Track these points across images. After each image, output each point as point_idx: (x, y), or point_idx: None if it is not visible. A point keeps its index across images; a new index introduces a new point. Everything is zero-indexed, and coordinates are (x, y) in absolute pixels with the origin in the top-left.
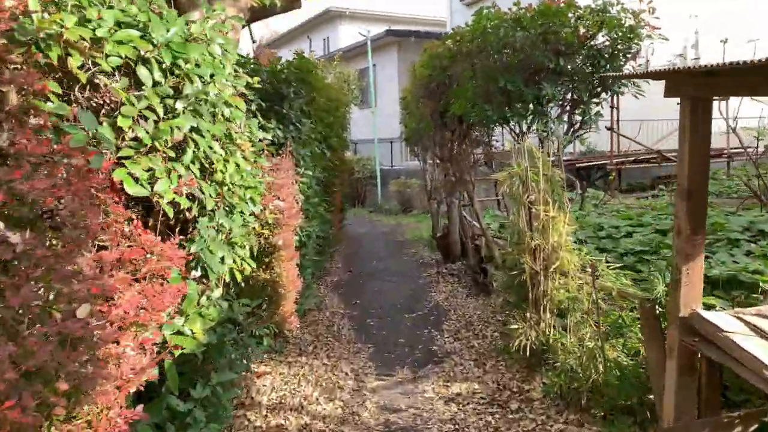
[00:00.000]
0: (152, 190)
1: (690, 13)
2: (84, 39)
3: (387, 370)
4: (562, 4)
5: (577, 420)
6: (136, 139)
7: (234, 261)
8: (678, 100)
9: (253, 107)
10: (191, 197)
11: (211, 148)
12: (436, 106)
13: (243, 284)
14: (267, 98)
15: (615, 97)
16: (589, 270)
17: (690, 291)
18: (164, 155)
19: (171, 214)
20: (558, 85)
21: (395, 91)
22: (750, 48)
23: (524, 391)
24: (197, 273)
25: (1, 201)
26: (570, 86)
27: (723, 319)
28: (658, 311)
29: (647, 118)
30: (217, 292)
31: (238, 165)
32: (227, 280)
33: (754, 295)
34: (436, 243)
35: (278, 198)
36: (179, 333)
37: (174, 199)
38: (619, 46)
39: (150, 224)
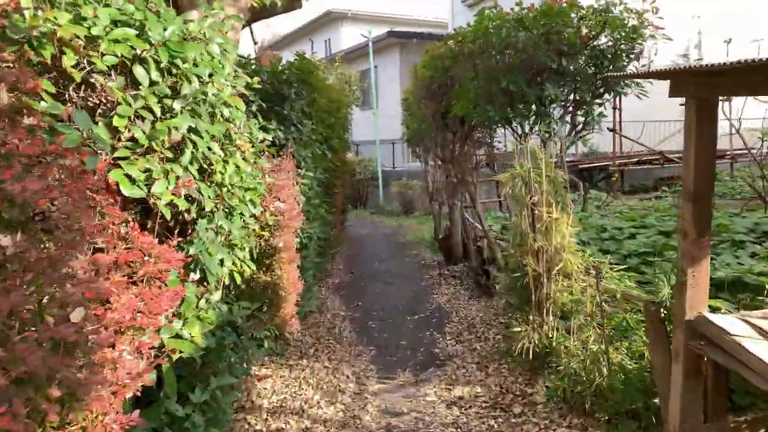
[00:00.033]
0: (149, 192)
1: (693, 13)
2: (78, 37)
3: (388, 373)
4: (565, 4)
5: (581, 424)
6: (132, 139)
7: (234, 263)
8: (682, 100)
9: (254, 108)
10: (190, 199)
11: (210, 149)
12: (437, 107)
13: (243, 286)
14: (268, 99)
15: (617, 98)
16: (593, 272)
17: (696, 294)
18: (162, 156)
19: (168, 216)
20: (561, 86)
21: (397, 93)
22: (754, 48)
23: (527, 394)
24: (196, 275)
25: None
26: (573, 87)
27: (729, 322)
28: (663, 314)
29: (650, 119)
30: (217, 295)
31: (237, 166)
32: (227, 282)
33: (760, 298)
34: (438, 245)
35: (279, 199)
36: (177, 337)
37: (172, 200)
38: (622, 46)
39: (149, 226)
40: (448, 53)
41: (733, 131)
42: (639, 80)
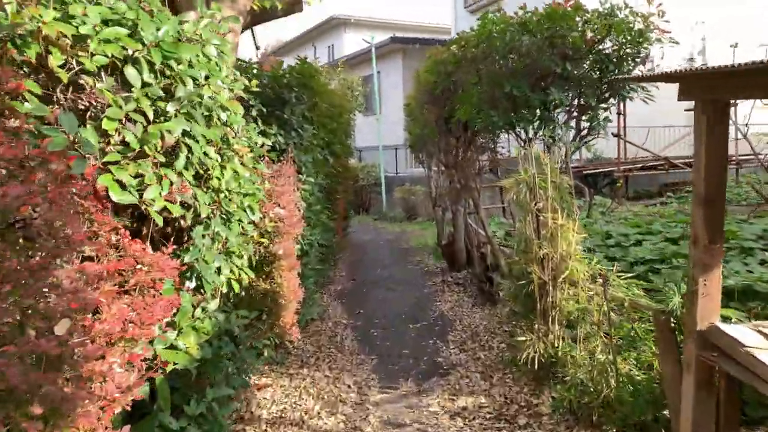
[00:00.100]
0: (141, 198)
1: (696, 18)
2: (65, 36)
3: (391, 383)
4: (569, 8)
5: None
6: (124, 143)
7: (231, 271)
8: (686, 105)
9: (254, 112)
10: (185, 205)
11: (206, 153)
12: (440, 113)
13: (242, 294)
14: (268, 103)
15: (622, 103)
16: (600, 280)
17: (708, 303)
18: (155, 161)
19: (161, 223)
20: (565, 91)
21: (400, 98)
22: (761, 52)
23: (532, 405)
24: (192, 284)
25: None
26: (577, 91)
27: (742, 332)
28: (673, 324)
29: (655, 124)
30: (213, 304)
31: (235, 171)
32: (224, 290)
33: None
34: (441, 251)
35: (279, 205)
36: (172, 347)
37: (165, 207)
38: (627, 51)
39: (143, 233)
40: (450, 58)
41: (739, 136)
42: (645, 84)
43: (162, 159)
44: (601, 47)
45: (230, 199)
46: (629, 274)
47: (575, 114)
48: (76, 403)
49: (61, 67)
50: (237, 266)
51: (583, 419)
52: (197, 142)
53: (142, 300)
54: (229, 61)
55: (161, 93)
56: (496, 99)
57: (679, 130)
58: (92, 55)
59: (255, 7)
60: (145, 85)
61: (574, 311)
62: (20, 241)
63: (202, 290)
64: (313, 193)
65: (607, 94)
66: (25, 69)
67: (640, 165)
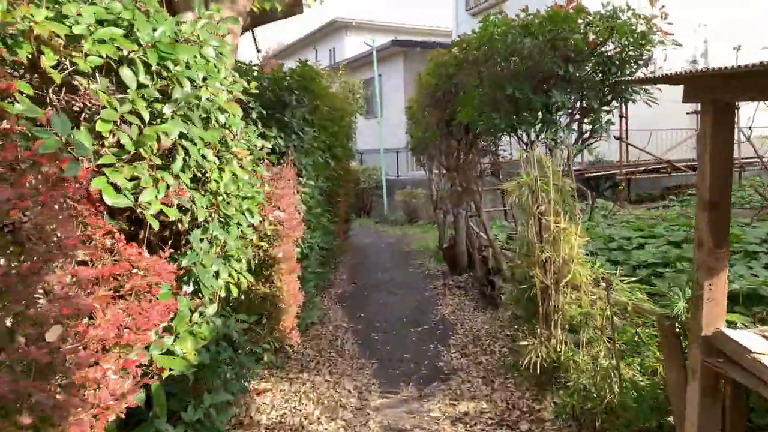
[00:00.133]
0: (137, 201)
1: (699, 21)
2: (58, 36)
3: (391, 388)
4: (571, 10)
5: None
6: (119, 146)
7: (230, 275)
8: (689, 108)
9: (254, 115)
10: (182, 208)
11: (203, 156)
12: (442, 115)
13: (241, 298)
14: (268, 106)
15: (624, 106)
16: (603, 284)
17: (713, 308)
18: (151, 163)
19: (156, 226)
20: (567, 93)
21: (401, 101)
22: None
23: (534, 410)
24: (189, 288)
25: None
26: (580, 94)
27: (748, 338)
28: (678, 329)
29: (657, 127)
30: (212, 309)
31: (234, 174)
32: (223, 295)
33: None
34: (443, 254)
35: (278, 208)
36: (168, 353)
37: (162, 210)
38: (630, 53)
39: (140, 237)
40: (452, 60)
41: (743, 139)
42: (648, 87)
43: (158, 162)
44: (603, 49)
45: (229, 202)
46: (632, 278)
47: (577, 116)
48: (68, 411)
49: (54, 67)
50: (236, 270)
51: (586, 425)
52: (195, 144)
53: (138, 305)
54: (228, 63)
55: (157, 94)
56: (497, 101)
57: (682, 133)
58: (86, 55)
59: (255, 9)
60: (140, 86)
61: (576, 315)
62: (9, 245)
63: (200, 294)
64: (313, 196)
65: (609, 97)
66: (18, 70)
67: (642, 168)
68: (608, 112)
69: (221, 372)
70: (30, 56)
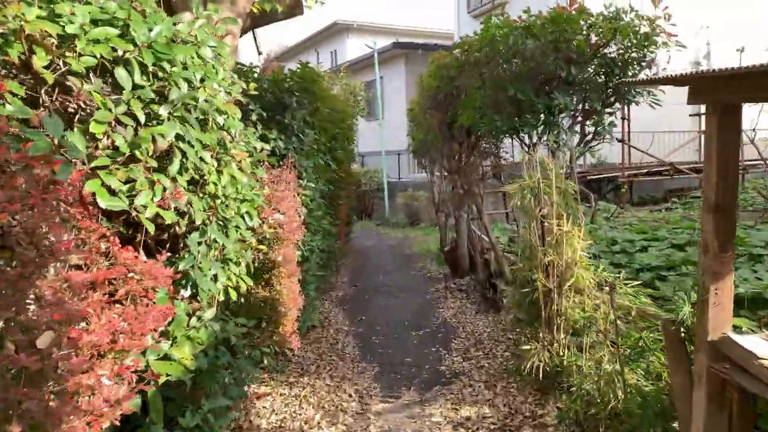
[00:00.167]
0: (132, 204)
1: (701, 22)
2: (50, 35)
3: (393, 392)
4: (574, 12)
5: None
6: (114, 147)
7: (228, 278)
8: (691, 110)
9: (254, 117)
10: (179, 211)
11: (201, 158)
12: (443, 117)
13: (241, 302)
14: (268, 108)
15: (626, 108)
16: (606, 287)
17: (719, 313)
18: (147, 165)
19: (152, 230)
20: (570, 95)
21: (402, 104)
22: None
23: (537, 416)
24: (187, 292)
25: None
26: (582, 96)
27: (754, 343)
28: (683, 334)
29: (660, 129)
30: (210, 313)
31: (233, 177)
32: (221, 298)
33: None
34: (444, 257)
35: (278, 211)
36: (165, 358)
37: (158, 213)
38: (633, 54)
39: (137, 240)
40: (453, 62)
41: (746, 141)
42: (651, 89)
43: (154, 164)
44: (606, 51)
45: (227, 205)
46: (636, 282)
47: (580, 118)
48: (61, 419)
49: (47, 67)
50: (234, 273)
51: (589, 431)
52: (192, 146)
53: (134, 309)
54: (227, 64)
55: (153, 95)
56: (499, 103)
57: (684, 135)
58: (80, 55)
59: (255, 10)
60: (136, 87)
61: (579, 319)
62: None
63: (197, 298)
64: (314, 198)
65: (612, 99)
66: (10, 70)
67: (645, 170)
68: (611, 114)
69: (220, 377)
70: (22, 56)
